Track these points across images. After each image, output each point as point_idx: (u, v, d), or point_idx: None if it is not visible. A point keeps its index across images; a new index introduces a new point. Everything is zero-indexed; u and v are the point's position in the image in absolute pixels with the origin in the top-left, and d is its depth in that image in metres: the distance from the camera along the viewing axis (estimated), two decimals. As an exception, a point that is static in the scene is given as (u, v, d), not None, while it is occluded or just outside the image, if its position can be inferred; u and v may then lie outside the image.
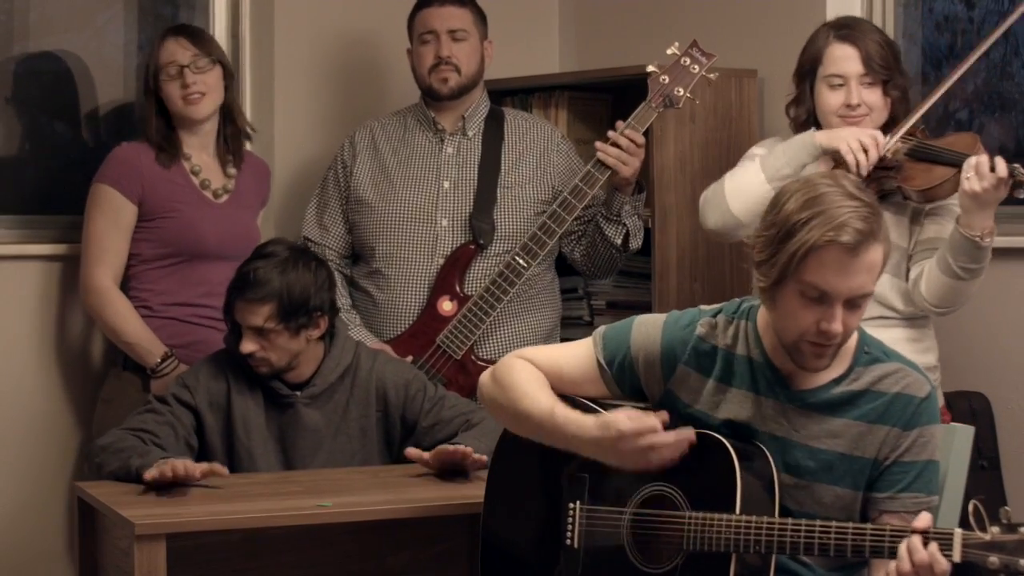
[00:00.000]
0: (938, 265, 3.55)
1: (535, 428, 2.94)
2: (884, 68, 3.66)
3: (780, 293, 2.73)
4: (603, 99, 4.69)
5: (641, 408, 2.93)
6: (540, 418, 2.93)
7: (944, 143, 3.62)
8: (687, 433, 2.80)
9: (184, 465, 3.32)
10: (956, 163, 3.51)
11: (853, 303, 2.70)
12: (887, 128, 3.69)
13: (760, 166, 3.70)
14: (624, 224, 4.09)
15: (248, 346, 3.58)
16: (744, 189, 3.69)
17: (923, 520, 2.60)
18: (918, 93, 4.37)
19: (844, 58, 3.66)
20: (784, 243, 2.69)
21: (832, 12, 4.28)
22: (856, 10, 4.34)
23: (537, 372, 3.00)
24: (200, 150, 4.14)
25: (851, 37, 3.67)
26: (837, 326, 2.70)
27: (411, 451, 3.55)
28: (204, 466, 3.37)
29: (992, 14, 4.27)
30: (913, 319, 3.68)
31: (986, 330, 4.07)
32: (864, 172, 3.52)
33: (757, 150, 3.85)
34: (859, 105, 3.65)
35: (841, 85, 3.67)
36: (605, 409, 3.01)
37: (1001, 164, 3.40)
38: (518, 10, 4.99)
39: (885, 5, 4.34)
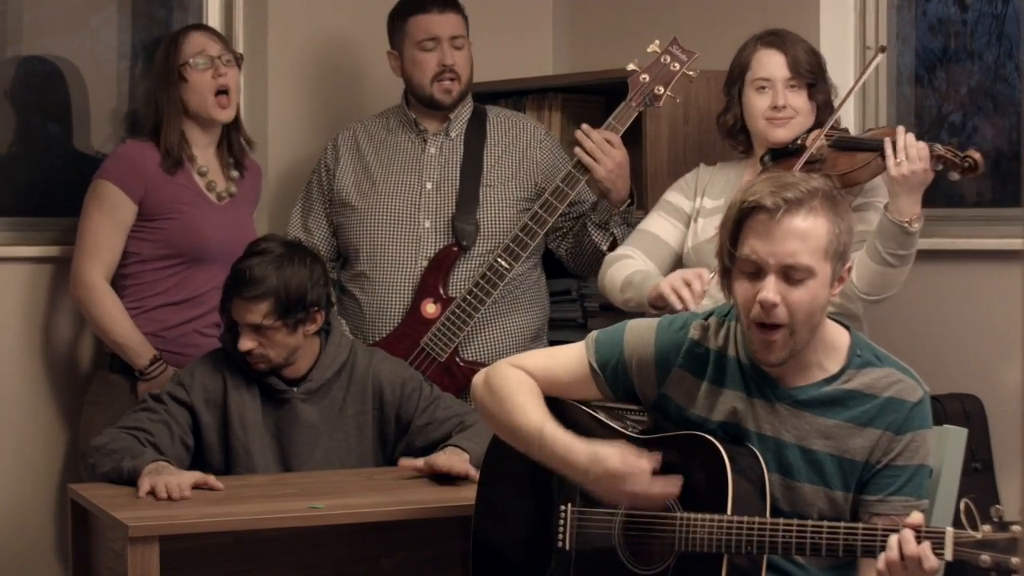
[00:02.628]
0: (867, 253, 3.57)
1: (523, 443, 2.94)
2: (810, 72, 3.72)
3: (732, 282, 2.78)
4: (596, 101, 4.68)
5: (636, 435, 2.94)
6: (529, 435, 2.92)
7: (871, 133, 3.68)
8: (672, 487, 2.79)
9: (177, 487, 3.32)
10: (875, 148, 3.57)
11: (789, 276, 2.71)
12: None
13: (622, 280, 3.78)
14: (612, 233, 4.09)
15: (246, 343, 3.58)
16: (610, 284, 3.83)
17: (915, 518, 2.61)
18: (912, 96, 4.39)
19: (771, 63, 3.72)
20: (723, 227, 2.76)
21: (825, 13, 4.29)
22: (849, 12, 4.34)
23: (529, 382, 2.99)
24: (206, 150, 4.13)
25: (777, 43, 3.74)
26: (770, 295, 2.70)
27: (404, 462, 3.55)
28: (196, 479, 3.38)
29: (985, 16, 4.27)
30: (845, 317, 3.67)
31: (979, 333, 4.07)
32: (691, 306, 3.54)
33: (671, 196, 3.92)
34: (785, 107, 3.70)
35: (766, 88, 3.71)
36: (598, 415, 3.01)
37: (922, 144, 3.46)
38: (511, 12, 4.99)
39: (878, 6, 4.34)
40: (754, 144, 3.81)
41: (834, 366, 2.83)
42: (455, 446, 3.58)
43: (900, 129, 3.55)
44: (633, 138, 4.04)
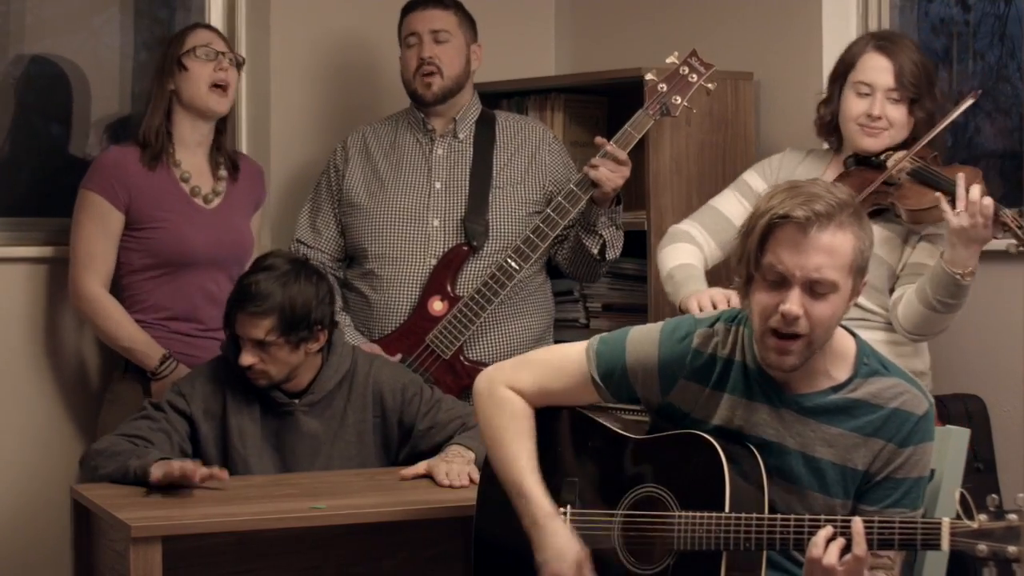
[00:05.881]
0: (916, 294, 3.54)
1: (504, 484, 2.96)
2: (914, 87, 3.63)
3: (752, 289, 2.76)
4: (599, 102, 4.68)
5: (635, 436, 2.95)
6: (508, 483, 2.94)
7: (947, 171, 3.59)
8: None
9: (187, 466, 3.32)
10: (947, 189, 3.49)
11: (814, 290, 2.70)
12: (902, 147, 3.66)
13: (666, 275, 3.79)
14: (600, 235, 4.09)
15: (247, 359, 3.57)
16: (659, 270, 3.85)
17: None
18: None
19: (877, 68, 3.65)
20: (749, 235, 2.74)
21: (828, 15, 4.29)
22: (852, 12, 4.34)
23: (523, 414, 2.99)
24: (192, 153, 4.12)
25: (888, 49, 3.65)
26: (794, 307, 2.69)
27: (404, 474, 3.55)
28: (204, 471, 3.37)
29: (988, 16, 4.27)
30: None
31: (982, 333, 4.07)
32: None
33: (750, 177, 3.88)
34: (880, 118, 3.63)
35: (868, 94, 3.65)
36: (596, 417, 3.03)
37: (989, 201, 3.38)
38: (514, 13, 4.99)
39: (881, 7, 4.34)
40: (844, 143, 3.76)
41: (842, 374, 2.83)
42: (461, 445, 3.59)
43: (973, 175, 3.48)
44: (634, 138, 4.04)
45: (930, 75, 3.69)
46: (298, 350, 3.60)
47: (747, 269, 2.75)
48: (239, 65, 4.14)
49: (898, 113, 3.65)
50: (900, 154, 3.62)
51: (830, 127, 3.77)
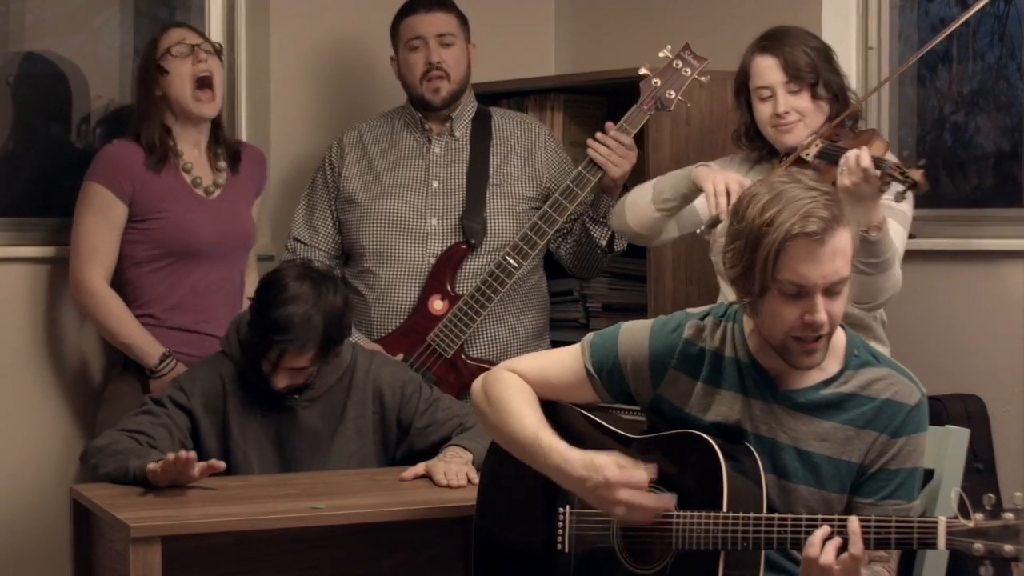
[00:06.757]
0: None
1: (520, 451, 2.94)
2: (810, 72, 3.66)
3: (763, 302, 2.74)
4: (598, 101, 4.69)
5: (633, 436, 2.94)
6: (524, 443, 2.92)
7: (847, 142, 3.57)
8: (667, 502, 2.80)
9: (181, 454, 3.31)
10: None
11: (831, 291, 2.71)
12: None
13: (652, 186, 3.76)
14: (610, 226, 4.10)
15: (282, 382, 3.59)
16: (636, 205, 3.79)
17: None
18: (914, 96, 4.39)
19: (766, 68, 3.68)
20: (755, 252, 2.71)
21: (827, 13, 4.30)
22: (851, 13, 4.35)
23: (525, 388, 2.99)
24: (192, 146, 4.13)
25: (771, 48, 3.69)
26: (822, 316, 2.70)
27: (404, 476, 3.55)
28: (202, 465, 3.38)
29: (988, 16, 4.27)
30: (852, 326, 3.62)
31: (982, 333, 4.07)
32: (723, 216, 3.49)
33: (709, 165, 3.87)
34: (787, 113, 3.65)
35: (769, 96, 3.68)
36: (594, 416, 3.02)
37: (865, 156, 3.33)
38: (513, 13, 5.00)
39: (880, 7, 4.35)
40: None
41: (833, 366, 2.84)
42: (459, 446, 3.59)
43: (866, 137, 3.48)
44: (636, 138, 4.04)
45: (825, 55, 3.71)
46: (328, 362, 3.63)
47: (759, 284, 2.73)
48: (218, 52, 4.13)
49: (803, 102, 3.67)
50: (808, 139, 3.63)
51: (748, 137, 3.79)
